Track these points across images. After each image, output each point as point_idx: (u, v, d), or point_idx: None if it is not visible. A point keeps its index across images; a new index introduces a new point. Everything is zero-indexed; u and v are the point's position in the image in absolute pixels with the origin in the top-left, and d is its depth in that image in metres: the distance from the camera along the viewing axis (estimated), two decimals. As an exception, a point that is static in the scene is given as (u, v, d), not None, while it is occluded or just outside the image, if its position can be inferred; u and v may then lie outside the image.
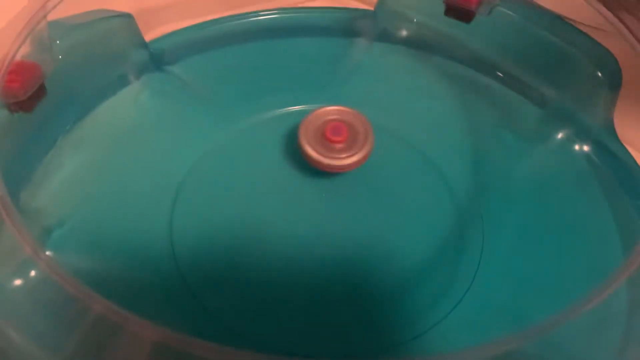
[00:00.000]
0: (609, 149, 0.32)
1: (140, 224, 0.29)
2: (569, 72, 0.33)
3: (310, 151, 0.30)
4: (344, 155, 0.30)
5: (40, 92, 0.29)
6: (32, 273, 0.22)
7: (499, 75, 0.35)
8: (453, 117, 0.34)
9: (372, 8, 0.39)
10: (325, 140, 0.30)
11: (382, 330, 0.26)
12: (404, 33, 0.38)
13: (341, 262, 0.28)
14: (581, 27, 0.34)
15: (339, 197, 0.30)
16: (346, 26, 0.39)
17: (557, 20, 0.34)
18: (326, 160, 0.29)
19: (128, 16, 0.34)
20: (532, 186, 0.31)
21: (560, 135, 0.33)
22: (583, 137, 0.32)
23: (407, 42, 0.37)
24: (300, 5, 0.41)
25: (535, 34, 0.34)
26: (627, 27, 0.30)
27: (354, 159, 0.30)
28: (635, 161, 0.31)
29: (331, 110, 0.31)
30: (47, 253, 0.27)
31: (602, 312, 0.21)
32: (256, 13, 0.39)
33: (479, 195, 0.30)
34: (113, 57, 0.34)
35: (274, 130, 0.33)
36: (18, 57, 0.28)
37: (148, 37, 0.36)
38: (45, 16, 0.29)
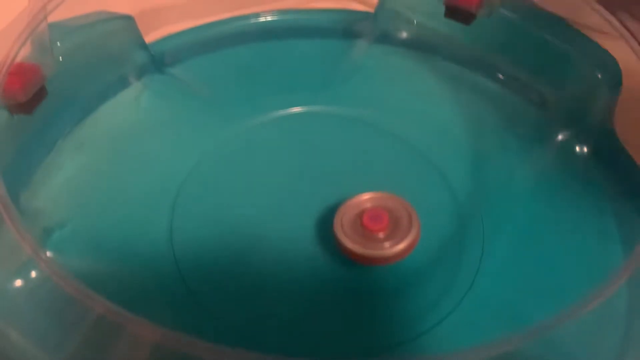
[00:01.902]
0: (609, 150, 0.32)
1: (140, 225, 0.29)
2: (569, 73, 0.33)
3: (350, 243, 0.27)
4: (387, 244, 0.27)
5: (40, 93, 0.29)
6: (33, 274, 0.22)
7: (500, 77, 0.35)
8: (453, 119, 0.34)
9: (372, 10, 0.39)
10: (364, 229, 0.27)
11: (382, 330, 0.26)
12: (404, 35, 0.38)
13: (341, 262, 0.28)
14: (581, 29, 0.34)
15: (338, 197, 0.30)
16: (346, 28, 0.39)
17: (558, 22, 0.34)
18: (368, 252, 0.26)
19: (128, 18, 0.34)
20: (532, 187, 0.31)
21: (560, 137, 0.33)
22: (583, 138, 0.32)
23: (407, 44, 0.37)
24: (300, 7, 0.41)
25: (536, 36, 0.34)
26: (627, 29, 0.30)
27: (401, 246, 0.27)
28: (635, 162, 0.31)
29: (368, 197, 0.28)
30: (48, 254, 0.27)
31: (602, 312, 0.21)
32: (256, 15, 0.39)
33: (480, 195, 0.30)
34: (113, 58, 0.34)
35: (275, 132, 0.33)
36: (18, 59, 0.28)
37: (148, 39, 0.36)
38: (45, 18, 0.29)
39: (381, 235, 0.27)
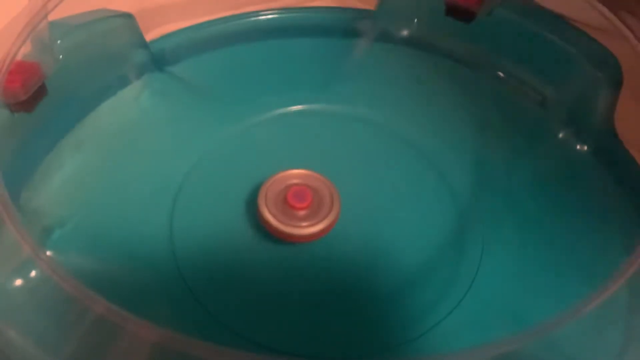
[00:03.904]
0: (609, 148, 0.32)
1: (140, 224, 0.29)
2: (569, 72, 0.33)
3: (270, 218, 0.27)
4: (305, 224, 0.27)
5: (40, 92, 0.29)
6: (33, 273, 0.22)
7: (500, 75, 0.35)
8: (453, 117, 0.34)
9: (372, 8, 0.39)
10: (287, 206, 0.28)
11: (382, 330, 0.26)
12: (405, 33, 0.38)
13: (341, 262, 0.28)
14: (582, 28, 0.33)
15: (340, 195, 0.30)
16: (347, 26, 0.39)
17: (558, 20, 0.34)
18: (287, 229, 0.27)
19: (129, 16, 0.34)
20: (532, 186, 0.31)
21: (560, 135, 0.33)
22: (583, 137, 0.32)
23: (408, 42, 0.37)
24: (300, 5, 0.41)
25: (536, 34, 0.34)
26: (628, 27, 0.30)
27: (318, 227, 0.27)
28: (635, 161, 0.31)
29: (295, 174, 0.29)
30: (48, 253, 0.27)
31: (603, 312, 0.21)
32: (257, 13, 0.39)
33: (479, 195, 0.31)
34: (114, 57, 0.34)
35: (275, 130, 0.33)
36: (19, 57, 0.28)
37: (149, 37, 0.36)
38: (46, 16, 0.29)
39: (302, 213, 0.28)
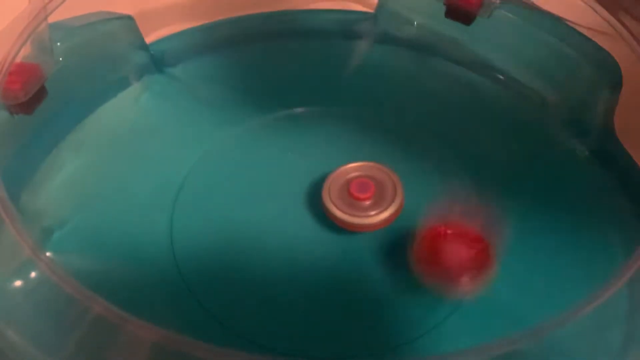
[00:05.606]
0: (609, 150, 0.32)
1: (140, 226, 0.29)
2: (569, 74, 0.33)
3: (337, 212, 0.28)
4: (372, 213, 0.28)
5: (40, 93, 0.29)
6: (32, 274, 0.22)
7: (500, 77, 0.35)
8: (453, 119, 0.34)
9: (372, 10, 0.39)
10: (351, 198, 0.28)
11: (381, 331, 0.26)
12: (405, 35, 0.38)
13: (341, 263, 0.28)
14: (581, 30, 0.34)
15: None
16: (347, 28, 0.39)
17: (558, 23, 0.34)
18: (355, 220, 0.28)
19: (129, 18, 0.34)
20: (532, 188, 0.31)
21: (560, 137, 0.33)
22: (583, 138, 0.32)
23: (408, 44, 0.37)
24: (300, 8, 0.41)
25: (536, 36, 0.34)
26: (627, 29, 0.30)
27: (385, 215, 0.28)
28: (635, 163, 0.31)
29: (355, 166, 0.30)
30: (47, 254, 0.27)
31: (603, 314, 0.21)
32: (257, 15, 0.39)
33: (479, 196, 0.30)
34: (114, 59, 0.34)
35: (275, 132, 0.33)
36: (19, 59, 0.28)
37: (149, 39, 0.36)
38: (46, 18, 0.29)
39: (367, 203, 0.28)
